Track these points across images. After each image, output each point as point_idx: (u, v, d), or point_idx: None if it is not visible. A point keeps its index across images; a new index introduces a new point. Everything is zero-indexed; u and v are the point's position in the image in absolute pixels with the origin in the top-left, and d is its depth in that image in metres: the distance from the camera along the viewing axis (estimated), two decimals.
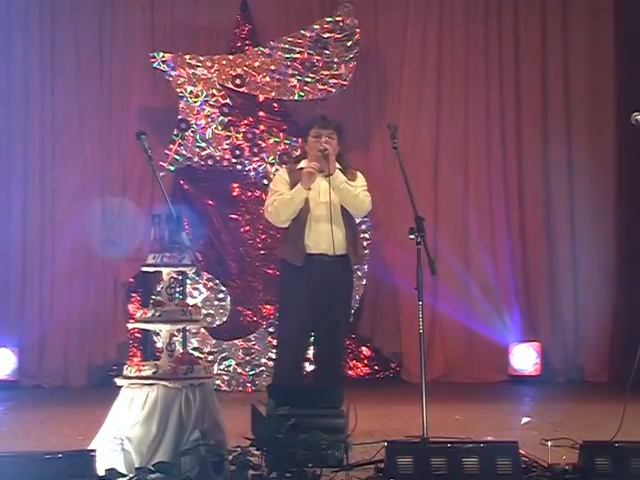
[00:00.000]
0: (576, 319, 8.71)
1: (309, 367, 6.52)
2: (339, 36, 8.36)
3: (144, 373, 4.43)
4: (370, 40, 8.61)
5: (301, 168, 5.89)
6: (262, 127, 8.47)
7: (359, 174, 6.00)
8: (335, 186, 5.77)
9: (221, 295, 8.43)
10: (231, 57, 8.42)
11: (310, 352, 6.11)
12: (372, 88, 8.67)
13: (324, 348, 5.86)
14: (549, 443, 4.84)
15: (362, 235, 8.20)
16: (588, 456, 4.32)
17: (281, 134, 8.46)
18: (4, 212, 8.41)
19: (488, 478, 4.21)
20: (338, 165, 5.88)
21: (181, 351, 4.92)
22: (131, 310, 8.40)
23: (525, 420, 6.39)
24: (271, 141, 8.43)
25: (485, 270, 8.65)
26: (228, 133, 8.41)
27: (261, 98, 8.44)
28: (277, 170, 7.42)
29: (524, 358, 8.46)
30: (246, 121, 8.51)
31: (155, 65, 8.24)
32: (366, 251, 7.95)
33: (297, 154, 6.92)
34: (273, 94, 8.39)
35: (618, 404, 5.06)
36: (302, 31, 8.36)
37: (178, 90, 8.29)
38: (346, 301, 6.00)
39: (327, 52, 8.35)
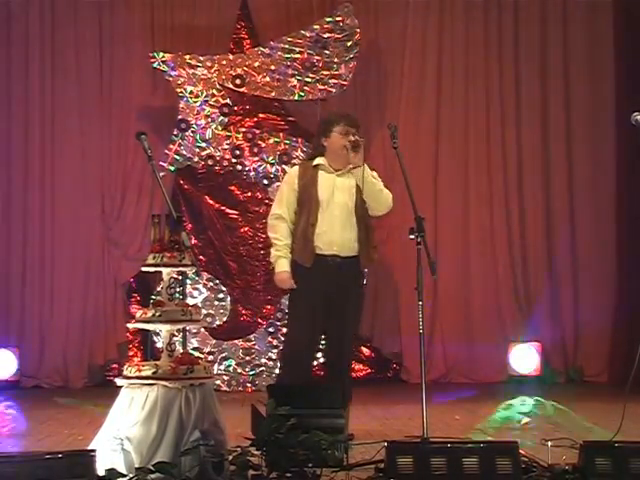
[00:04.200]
0: (576, 319, 8.71)
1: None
2: (339, 36, 8.36)
3: (144, 373, 4.42)
4: (370, 40, 8.61)
5: (317, 165, 5.79)
6: (262, 127, 8.48)
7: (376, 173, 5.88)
8: (364, 177, 5.64)
9: (221, 295, 8.44)
10: (231, 57, 8.42)
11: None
12: (372, 88, 8.67)
13: (333, 349, 5.81)
14: (549, 443, 4.83)
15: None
16: (588, 456, 4.31)
17: (281, 134, 8.47)
18: (4, 212, 8.41)
19: (488, 478, 4.21)
20: None
21: (181, 351, 4.92)
22: (131, 310, 8.41)
23: (525, 420, 6.39)
24: (271, 141, 8.44)
25: (485, 270, 8.66)
26: (228, 133, 8.41)
27: (262, 98, 8.45)
28: (294, 166, 6.82)
29: (524, 358, 8.46)
30: (246, 121, 8.53)
31: (155, 65, 8.24)
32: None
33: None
34: (273, 94, 8.39)
35: (618, 404, 5.06)
36: (302, 31, 8.37)
37: (178, 90, 8.29)
38: (357, 302, 5.90)
39: (327, 52, 8.36)
